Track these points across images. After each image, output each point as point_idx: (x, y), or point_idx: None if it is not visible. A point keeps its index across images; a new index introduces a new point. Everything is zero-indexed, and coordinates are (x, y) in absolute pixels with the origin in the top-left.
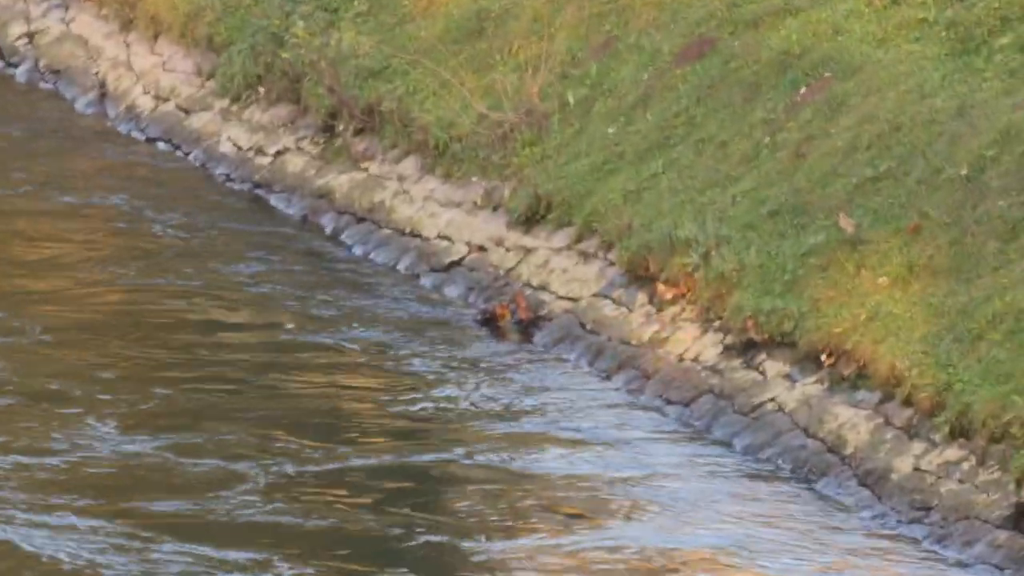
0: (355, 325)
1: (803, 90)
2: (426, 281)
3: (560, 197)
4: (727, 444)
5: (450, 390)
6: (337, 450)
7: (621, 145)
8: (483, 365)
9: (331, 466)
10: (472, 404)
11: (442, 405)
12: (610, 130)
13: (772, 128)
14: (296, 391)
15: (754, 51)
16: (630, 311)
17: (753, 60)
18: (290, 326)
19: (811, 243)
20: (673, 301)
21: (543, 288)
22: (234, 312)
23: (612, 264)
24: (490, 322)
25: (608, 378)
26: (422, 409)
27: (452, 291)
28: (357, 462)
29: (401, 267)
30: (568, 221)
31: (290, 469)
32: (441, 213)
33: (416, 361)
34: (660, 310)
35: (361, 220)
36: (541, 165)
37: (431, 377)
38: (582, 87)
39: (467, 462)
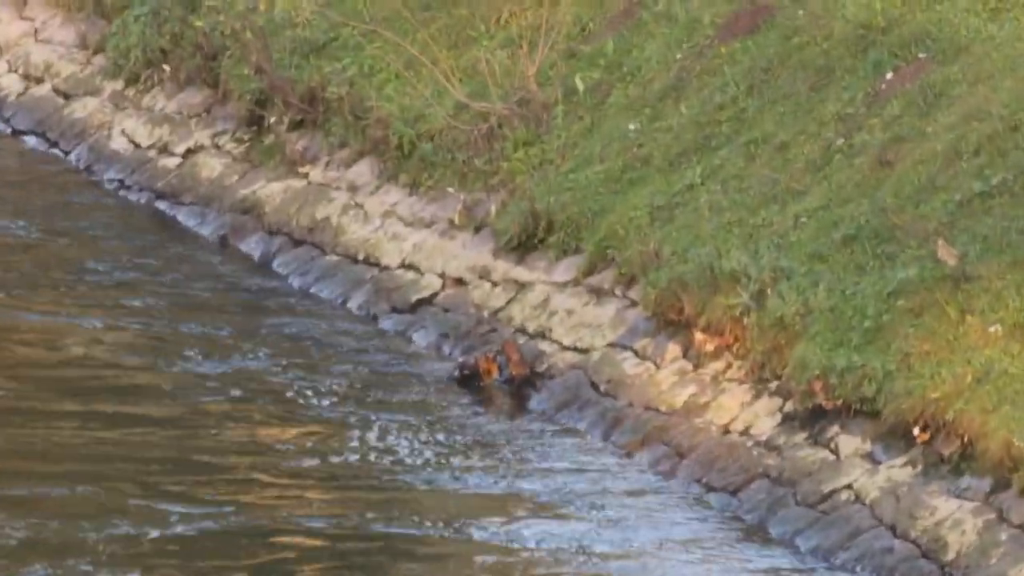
0: (289, 383)
1: (890, 75)
2: (386, 324)
3: (565, 215)
4: (788, 545)
5: (417, 474)
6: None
7: (646, 147)
8: (461, 439)
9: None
10: (448, 494)
11: (405, 496)
12: (631, 127)
13: (848, 126)
14: (204, 486)
15: (825, 23)
16: (658, 367)
17: (823, 35)
18: (201, 386)
19: (900, 279)
20: (715, 355)
21: (542, 335)
22: (124, 365)
23: (633, 305)
24: (471, 380)
25: (629, 455)
26: (380, 503)
27: (421, 338)
28: None
29: (353, 305)
30: (575, 247)
31: (180, 529)
32: (406, 235)
33: (372, 434)
34: (698, 366)
35: (299, 243)
36: (540, 172)
37: (389, 458)
38: (594, 69)
39: None
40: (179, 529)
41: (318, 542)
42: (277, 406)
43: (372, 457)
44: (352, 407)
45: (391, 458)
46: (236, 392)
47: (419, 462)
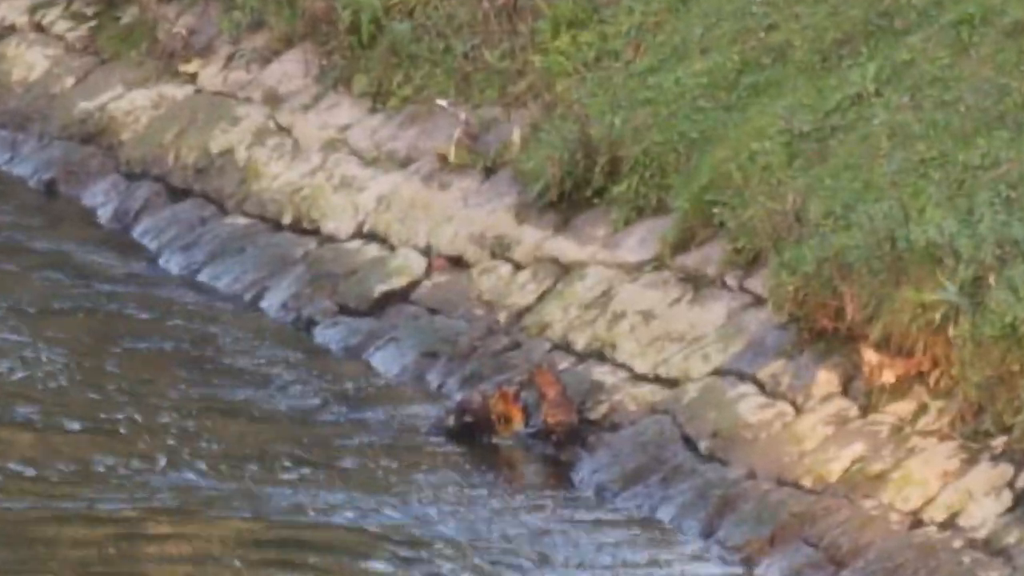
0: (148, 455)
1: None
2: (328, 336)
3: (639, 147)
4: None
5: None
6: None
7: (780, 30)
8: (460, 543)
9: None
10: None
11: None
12: None
13: None
14: None
15: None
16: (798, 410)
17: None
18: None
19: None
20: (899, 390)
21: (599, 356)
22: None
23: (757, 303)
24: (476, 433)
25: (749, 563)
26: None
27: (389, 360)
28: None
29: (271, 304)
30: (657, 203)
31: None
32: (365, 181)
33: (309, 554)
34: (869, 409)
35: (180, 194)
36: (596, 74)
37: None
38: None
39: None
40: None
41: None
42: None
43: None
44: (266, 477)
45: None
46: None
47: None
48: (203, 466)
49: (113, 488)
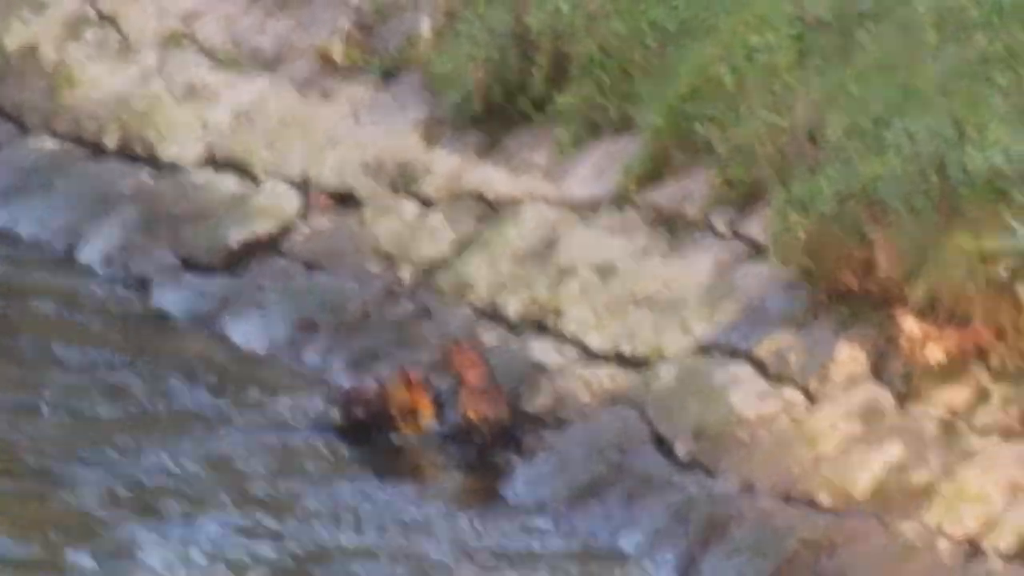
0: None
1: None
2: (168, 299)
3: (594, 40)
4: None
5: None
6: None
7: None
8: (359, 567)
9: None
10: None
11: None
12: None
13: None
14: None
15: None
16: (811, 400)
17: None
18: None
19: None
20: (951, 371)
21: (538, 327)
22: None
23: (755, 252)
24: (370, 429)
25: None
26: None
27: (250, 331)
28: None
29: (92, 255)
30: (618, 117)
31: None
32: (218, 87)
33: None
34: (910, 398)
35: None
36: None
37: None
38: None
39: None
40: None
41: None
42: None
43: None
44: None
45: None
46: None
47: None
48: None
49: None
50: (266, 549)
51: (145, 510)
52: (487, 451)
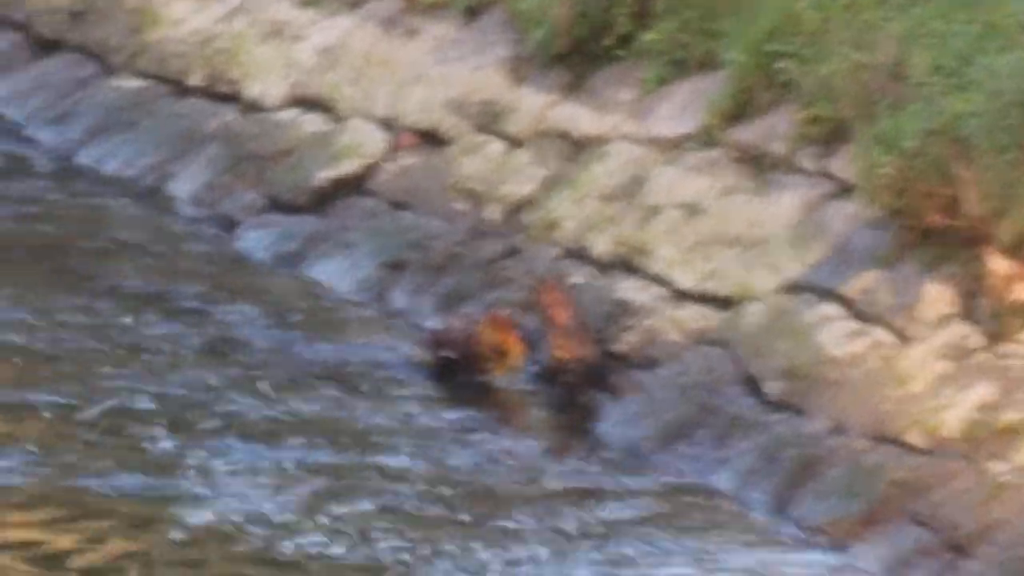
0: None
1: None
2: (254, 240)
3: None
4: None
5: None
6: None
7: None
8: (451, 506)
9: None
10: None
11: None
12: None
13: None
14: None
15: None
16: (902, 339)
17: None
18: None
19: None
20: None
21: (625, 266)
22: None
23: (842, 191)
24: (458, 369)
25: (839, 549)
26: None
27: (338, 272)
28: None
29: (174, 197)
30: (703, 55)
31: None
32: (301, 26)
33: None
34: (1000, 338)
35: (48, 44)
36: None
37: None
38: None
39: None
40: None
41: None
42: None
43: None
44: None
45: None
46: None
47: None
48: (92, 435)
49: None
50: (352, 479)
51: (225, 442)
52: (576, 391)
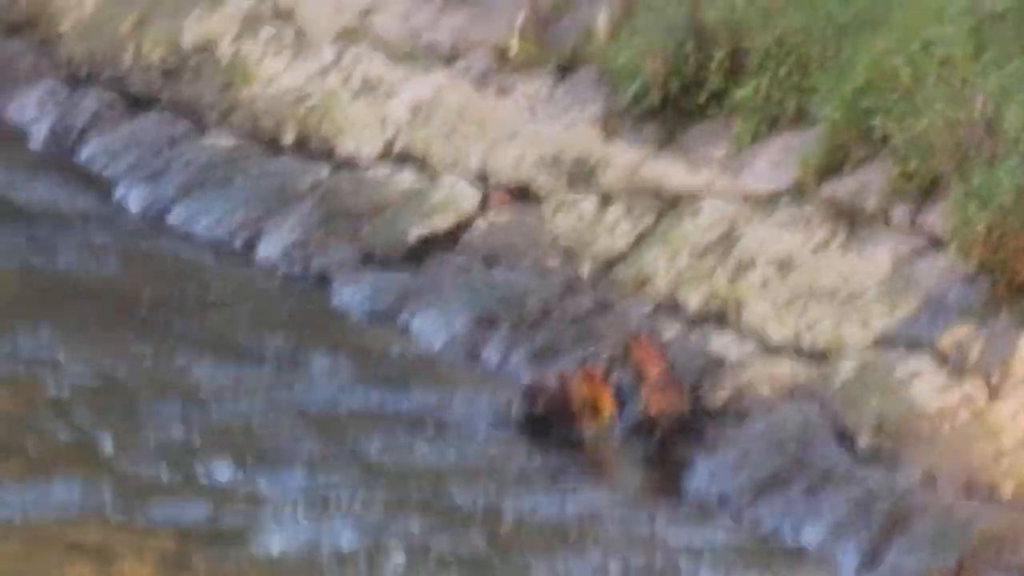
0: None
1: None
2: (349, 293)
3: (772, 36)
4: None
5: None
6: None
7: None
8: (546, 561)
9: None
10: None
11: None
12: None
13: None
14: None
15: None
16: (993, 392)
17: None
18: None
19: None
20: None
21: (718, 320)
22: None
23: (934, 245)
24: (551, 423)
25: None
26: None
27: (430, 326)
28: None
29: (268, 254)
30: (795, 111)
31: None
32: (394, 83)
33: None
34: None
35: (141, 102)
36: None
37: None
38: None
39: None
40: None
41: None
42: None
43: None
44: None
45: None
46: None
47: None
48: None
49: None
50: (455, 540)
51: (327, 506)
52: (668, 445)
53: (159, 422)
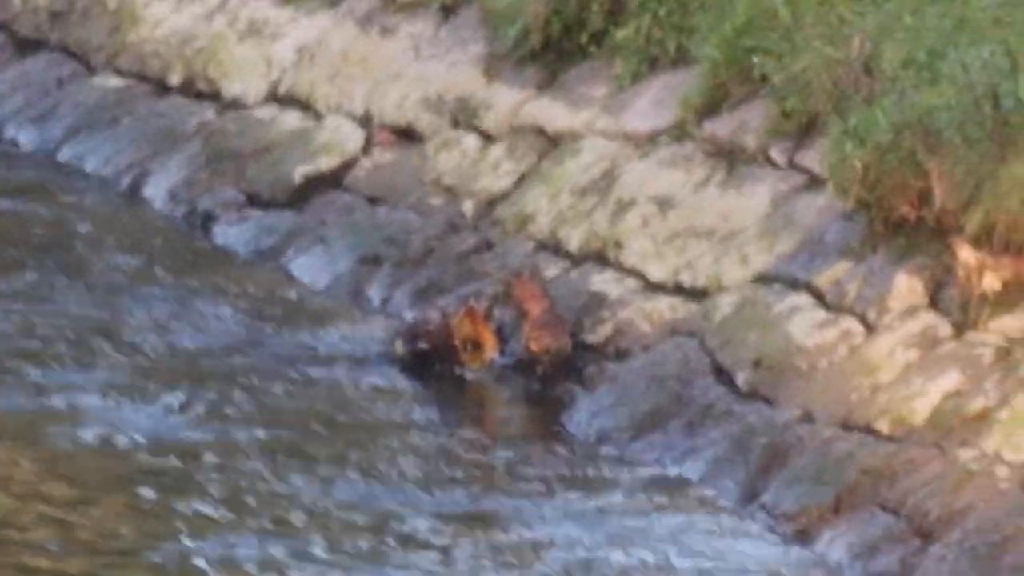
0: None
1: None
2: (232, 236)
3: None
4: None
5: None
6: None
7: None
8: (424, 499)
9: None
10: None
11: None
12: None
13: None
14: None
15: None
16: (869, 328)
17: None
18: None
19: None
20: (1008, 300)
21: (599, 259)
22: None
23: (813, 183)
24: (433, 361)
25: (803, 537)
26: None
27: (314, 266)
28: None
29: (154, 194)
30: (676, 51)
31: None
32: (280, 24)
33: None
34: (967, 327)
35: (30, 44)
36: None
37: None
38: None
39: None
40: None
41: None
42: None
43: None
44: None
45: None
46: None
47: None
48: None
49: None
50: (325, 471)
51: (207, 435)
52: (549, 383)
53: (36, 363)
